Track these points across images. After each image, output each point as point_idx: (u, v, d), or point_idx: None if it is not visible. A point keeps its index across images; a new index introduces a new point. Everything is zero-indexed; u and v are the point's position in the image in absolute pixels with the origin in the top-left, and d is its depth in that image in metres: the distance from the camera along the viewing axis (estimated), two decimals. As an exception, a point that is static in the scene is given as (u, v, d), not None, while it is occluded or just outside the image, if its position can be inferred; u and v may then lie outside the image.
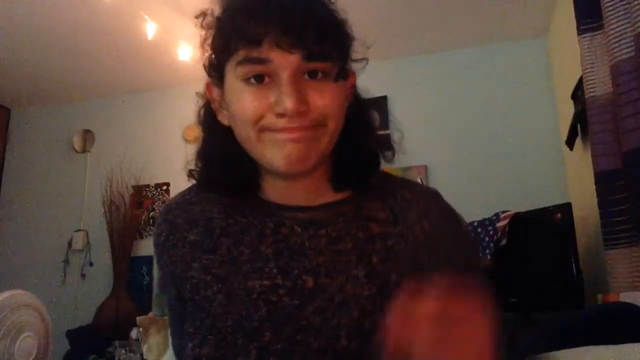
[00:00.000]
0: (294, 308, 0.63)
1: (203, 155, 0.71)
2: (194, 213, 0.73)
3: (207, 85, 0.69)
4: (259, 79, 0.61)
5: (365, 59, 0.68)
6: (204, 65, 0.68)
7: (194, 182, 0.75)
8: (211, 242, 0.69)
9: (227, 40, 0.61)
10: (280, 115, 0.59)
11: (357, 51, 0.68)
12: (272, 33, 0.58)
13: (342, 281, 0.64)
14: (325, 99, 0.61)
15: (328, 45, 0.60)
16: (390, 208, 0.69)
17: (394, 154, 0.72)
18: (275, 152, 0.61)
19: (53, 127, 3.80)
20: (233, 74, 0.62)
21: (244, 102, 0.62)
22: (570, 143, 2.47)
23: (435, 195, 0.72)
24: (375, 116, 0.74)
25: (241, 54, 0.60)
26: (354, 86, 0.70)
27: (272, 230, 0.68)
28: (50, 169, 3.73)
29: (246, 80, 0.61)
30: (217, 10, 0.66)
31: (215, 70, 0.66)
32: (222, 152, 0.68)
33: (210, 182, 0.71)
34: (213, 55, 0.66)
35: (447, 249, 0.67)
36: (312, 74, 0.61)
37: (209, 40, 0.66)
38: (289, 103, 0.58)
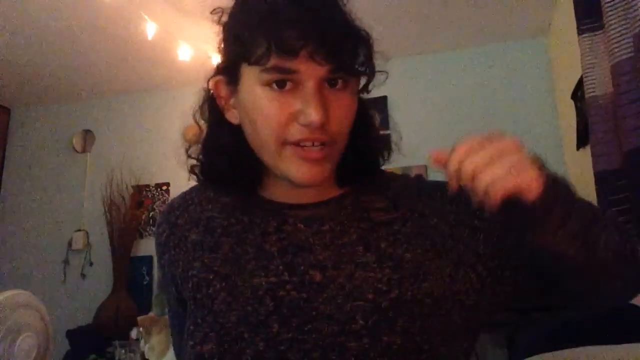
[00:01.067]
0: (303, 301, 0.63)
1: (207, 151, 0.71)
2: (195, 213, 0.73)
3: (216, 83, 0.67)
4: (281, 84, 0.60)
5: (385, 72, 0.67)
6: (217, 64, 0.67)
7: (194, 182, 0.75)
8: (212, 241, 0.70)
9: (255, 44, 0.59)
10: (304, 125, 0.59)
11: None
12: (309, 45, 0.57)
13: (351, 270, 0.64)
14: (343, 112, 0.62)
15: (358, 60, 0.61)
16: (387, 197, 0.70)
17: (390, 154, 0.74)
18: (291, 168, 0.62)
19: (53, 127, 3.81)
20: (253, 78, 0.61)
21: (266, 110, 0.60)
22: (580, 146, 2.44)
23: (420, 177, 0.77)
24: (375, 115, 0.74)
25: (272, 61, 0.58)
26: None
27: (276, 229, 0.68)
28: (50, 169, 3.73)
29: (268, 84, 0.60)
30: (237, 8, 0.65)
31: (230, 69, 0.64)
32: (228, 149, 0.68)
33: (212, 178, 0.71)
34: (229, 54, 0.65)
35: (455, 203, 0.69)
36: (332, 82, 0.61)
37: (229, 39, 0.65)
38: (315, 116, 0.58)
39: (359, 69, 0.62)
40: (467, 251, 0.65)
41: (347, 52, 0.59)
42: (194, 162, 0.72)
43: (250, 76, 0.61)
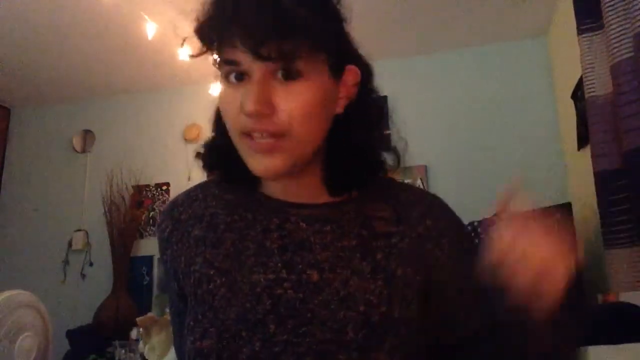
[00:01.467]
0: (299, 302, 0.64)
1: (211, 144, 0.73)
2: (199, 209, 0.73)
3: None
4: (239, 77, 0.62)
5: (333, 58, 0.65)
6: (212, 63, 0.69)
7: (194, 182, 0.76)
8: (215, 237, 0.70)
9: (205, 46, 0.63)
10: (247, 116, 0.60)
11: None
12: (236, 36, 0.58)
13: (346, 276, 0.64)
14: (292, 102, 0.60)
15: (294, 46, 0.58)
16: (393, 208, 0.69)
17: (399, 160, 0.72)
18: (247, 159, 0.63)
19: (53, 127, 3.81)
20: (220, 73, 0.64)
21: (223, 102, 0.64)
22: (580, 146, 2.43)
23: (436, 197, 0.74)
24: (381, 117, 0.72)
25: (218, 55, 0.62)
26: (357, 84, 0.68)
27: (277, 226, 0.68)
28: (50, 169, 3.73)
29: (226, 78, 0.63)
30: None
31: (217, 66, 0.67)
32: (227, 144, 0.68)
33: (214, 166, 0.73)
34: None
35: (452, 239, 0.69)
36: (287, 76, 0.60)
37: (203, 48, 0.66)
38: (248, 105, 0.58)
39: (302, 54, 0.59)
40: (447, 290, 0.67)
41: (277, 40, 0.57)
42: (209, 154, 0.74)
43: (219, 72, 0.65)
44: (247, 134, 0.61)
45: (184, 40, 0.68)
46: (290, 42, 0.58)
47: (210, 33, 0.61)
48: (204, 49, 0.63)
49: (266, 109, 0.59)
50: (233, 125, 0.63)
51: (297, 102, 0.60)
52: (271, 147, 0.60)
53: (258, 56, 0.58)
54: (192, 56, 0.65)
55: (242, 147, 0.63)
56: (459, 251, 0.69)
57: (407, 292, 0.65)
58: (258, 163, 0.62)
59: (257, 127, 0.60)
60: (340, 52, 0.65)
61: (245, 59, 0.59)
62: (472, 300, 0.67)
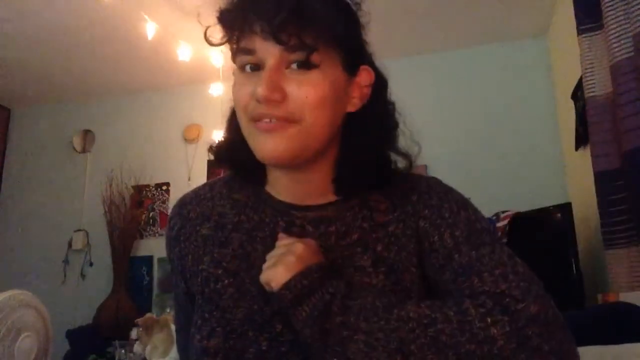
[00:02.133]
0: None
1: (224, 138, 0.75)
2: (207, 208, 0.74)
3: None
4: (255, 68, 0.63)
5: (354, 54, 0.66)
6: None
7: (194, 183, 0.76)
8: (223, 236, 0.71)
9: (226, 32, 0.65)
10: (258, 101, 0.61)
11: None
12: (256, 24, 0.60)
13: (350, 274, 0.65)
14: (303, 90, 0.61)
15: (311, 36, 0.60)
16: (391, 198, 0.70)
17: (411, 164, 0.72)
18: (253, 142, 0.64)
19: (53, 127, 3.81)
20: (236, 65, 0.66)
21: (236, 90, 0.65)
22: (578, 147, 2.42)
23: (431, 177, 0.74)
24: (393, 122, 0.72)
25: (235, 45, 0.64)
26: (370, 86, 0.69)
27: (284, 229, 0.69)
28: (50, 169, 3.73)
29: (242, 69, 0.65)
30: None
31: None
32: (239, 137, 0.69)
33: (225, 159, 0.74)
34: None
35: (435, 206, 0.68)
36: (301, 65, 0.62)
37: (223, 36, 0.68)
38: (260, 89, 0.60)
39: (316, 45, 0.61)
40: (433, 254, 0.66)
41: (295, 29, 0.59)
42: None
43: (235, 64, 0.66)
44: (257, 120, 0.63)
45: (207, 28, 0.67)
46: (309, 32, 0.60)
47: (232, 19, 0.63)
48: (225, 38, 0.65)
49: (277, 95, 0.61)
50: (244, 111, 0.64)
51: (309, 91, 0.62)
52: (278, 128, 0.62)
53: (277, 40, 0.59)
54: (214, 44, 0.66)
55: (250, 131, 0.64)
56: (442, 213, 0.67)
57: (407, 277, 0.65)
58: (264, 144, 0.63)
59: (267, 113, 0.62)
60: (355, 51, 0.67)
61: (261, 47, 0.61)
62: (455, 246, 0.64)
